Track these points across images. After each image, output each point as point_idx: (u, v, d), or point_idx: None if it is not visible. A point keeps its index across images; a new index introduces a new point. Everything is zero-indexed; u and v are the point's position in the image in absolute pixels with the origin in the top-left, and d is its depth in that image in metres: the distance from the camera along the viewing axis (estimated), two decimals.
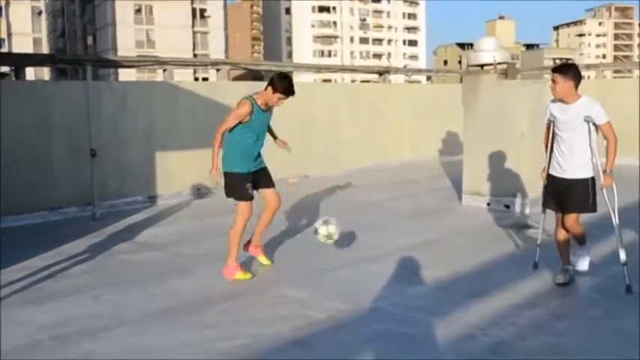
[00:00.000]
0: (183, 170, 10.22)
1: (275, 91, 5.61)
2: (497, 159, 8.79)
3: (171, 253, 6.90)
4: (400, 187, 11.28)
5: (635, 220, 7.30)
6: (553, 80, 5.26)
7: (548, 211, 5.71)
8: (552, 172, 5.45)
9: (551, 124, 5.48)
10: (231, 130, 5.66)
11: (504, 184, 8.77)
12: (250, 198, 5.74)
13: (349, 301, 5.12)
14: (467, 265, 6.16)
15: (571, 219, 5.32)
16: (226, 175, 5.74)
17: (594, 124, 5.21)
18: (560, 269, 5.54)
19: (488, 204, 9.00)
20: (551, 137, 5.51)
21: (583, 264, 5.59)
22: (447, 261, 6.30)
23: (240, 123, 5.62)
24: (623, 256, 5.30)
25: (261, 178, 5.86)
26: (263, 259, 6.14)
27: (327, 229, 5.82)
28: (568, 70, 5.27)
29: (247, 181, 5.70)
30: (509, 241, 7.13)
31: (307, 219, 8.16)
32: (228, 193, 5.78)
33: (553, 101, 5.46)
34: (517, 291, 5.34)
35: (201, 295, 5.38)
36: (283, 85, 5.62)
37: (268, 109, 5.80)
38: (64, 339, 4.45)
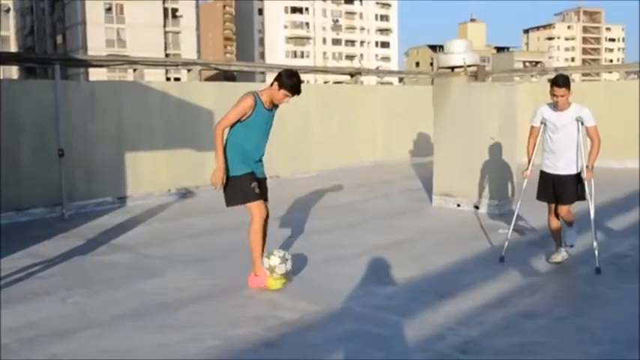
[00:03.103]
0: (154, 171, 10.14)
1: (281, 87, 5.26)
2: (467, 160, 8.87)
3: (141, 255, 6.84)
4: (372, 187, 11.32)
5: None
6: (561, 95, 5.77)
7: (520, 208, 6.52)
8: (544, 169, 6.12)
9: (542, 126, 6.05)
10: (231, 129, 5.31)
11: (474, 185, 8.84)
12: (259, 197, 5.38)
13: (320, 302, 5.12)
14: (437, 265, 6.21)
15: (564, 209, 6.06)
16: (231, 179, 5.32)
17: (582, 124, 5.88)
18: (554, 250, 6.27)
19: (459, 205, 9.07)
20: (540, 138, 6.13)
21: (572, 239, 6.32)
22: (418, 261, 6.34)
23: (240, 121, 5.27)
24: (595, 242, 5.94)
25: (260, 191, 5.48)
26: (273, 284, 5.48)
27: (268, 262, 5.40)
28: (569, 83, 5.83)
29: (252, 180, 5.33)
30: (479, 242, 7.19)
31: (277, 220, 8.14)
32: (232, 200, 5.39)
33: (545, 107, 6.03)
34: (486, 290, 5.40)
35: (171, 297, 5.34)
36: (291, 82, 5.27)
37: (272, 108, 5.45)
38: (31, 342, 4.38)
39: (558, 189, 6.01)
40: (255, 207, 5.38)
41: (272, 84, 5.36)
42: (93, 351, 4.24)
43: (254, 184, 5.36)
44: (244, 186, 5.33)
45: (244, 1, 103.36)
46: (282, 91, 5.30)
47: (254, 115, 5.30)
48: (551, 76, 16.19)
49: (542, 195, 6.17)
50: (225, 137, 5.34)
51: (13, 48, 79.75)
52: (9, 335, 4.48)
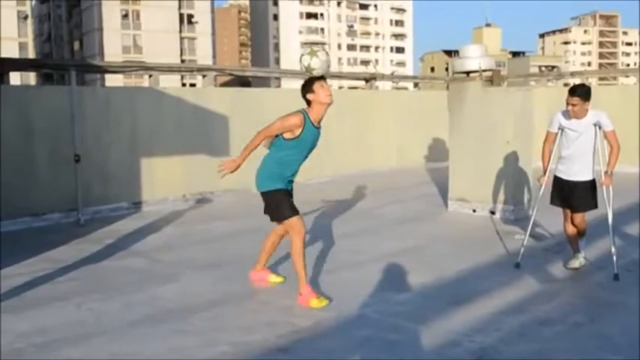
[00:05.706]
0: (169, 176, 10.16)
1: (311, 92, 5.13)
2: (482, 165, 8.82)
3: (155, 260, 6.85)
4: (386, 193, 11.28)
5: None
6: (573, 104, 5.80)
7: (536, 214, 6.50)
8: (559, 174, 6.14)
9: (560, 132, 6.04)
10: (278, 143, 5.20)
11: (489, 190, 8.78)
12: (298, 212, 5.29)
13: (334, 308, 5.10)
14: (452, 271, 6.16)
15: (579, 217, 6.10)
16: (265, 195, 5.28)
17: (599, 128, 5.90)
18: (571, 256, 6.21)
19: (474, 210, 9.02)
20: (557, 144, 6.11)
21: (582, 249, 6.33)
22: (433, 267, 6.30)
23: (286, 140, 5.16)
24: (613, 248, 5.92)
25: None
26: (274, 278, 5.84)
27: (309, 61, 5.06)
28: (587, 94, 5.81)
29: (290, 196, 5.33)
30: (495, 247, 7.14)
31: None
32: (275, 215, 5.34)
33: (563, 113, 6.00)
34: (502, 297, 5.35)
35: (185, 302, 5.34)
36: (308, 84, 5.15)
37: (320, 126, 5.34)
38: (44, 347, 4.39)
39: (572, 196, 6.03)
40: (296, 223, 5.23)
41: (308, 103, 5.20)
42: (106, 356, 4.24)
43: (291, 200, 5.32)
44: (285, 202, 5.24)
45: (260, 5, 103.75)
46: (317, 92, 5.11)
47: (304, 133, 5.17)
48: (567, 80, 16.15)
49: (555, 200, 6.20)
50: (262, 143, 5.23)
51: (31, 54, 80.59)
52: (22, 340, 4.50)
